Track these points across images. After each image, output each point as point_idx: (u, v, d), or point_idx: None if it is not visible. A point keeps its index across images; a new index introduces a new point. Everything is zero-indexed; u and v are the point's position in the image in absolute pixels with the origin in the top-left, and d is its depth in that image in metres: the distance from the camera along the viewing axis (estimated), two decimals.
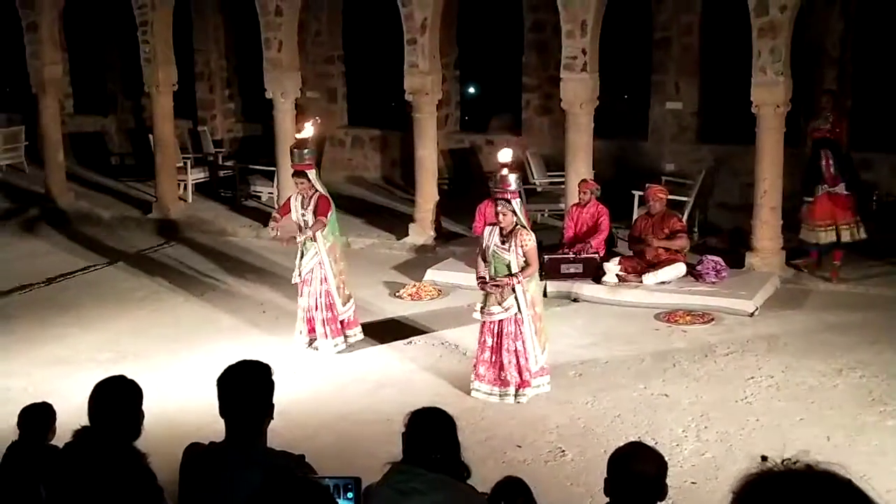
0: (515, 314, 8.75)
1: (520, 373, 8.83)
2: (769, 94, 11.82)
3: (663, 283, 11.58)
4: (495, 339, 8.85)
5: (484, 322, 8.91)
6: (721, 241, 13.11)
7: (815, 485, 2.09)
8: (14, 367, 9.95)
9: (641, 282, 11.60)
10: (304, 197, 10.00)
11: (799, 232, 12.21)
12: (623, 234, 12.86)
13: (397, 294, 11.98)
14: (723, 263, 11.78)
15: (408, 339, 10.51)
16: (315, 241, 9.93)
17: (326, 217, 9.89)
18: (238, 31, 18.51)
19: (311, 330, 10.12)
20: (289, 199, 10.31)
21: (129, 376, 4.54)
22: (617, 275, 11.66)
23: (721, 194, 14.67)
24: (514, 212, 8.71)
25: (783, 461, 2.15)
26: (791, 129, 12.30)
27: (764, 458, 2.20)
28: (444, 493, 4.01)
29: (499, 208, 8.75)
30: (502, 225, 8.73)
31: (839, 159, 11.90)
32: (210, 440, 4.12)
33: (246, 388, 4.06)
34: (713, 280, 11.59)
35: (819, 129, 11.98)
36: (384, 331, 10.67)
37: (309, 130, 10.16)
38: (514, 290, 8.71)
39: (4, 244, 14.88)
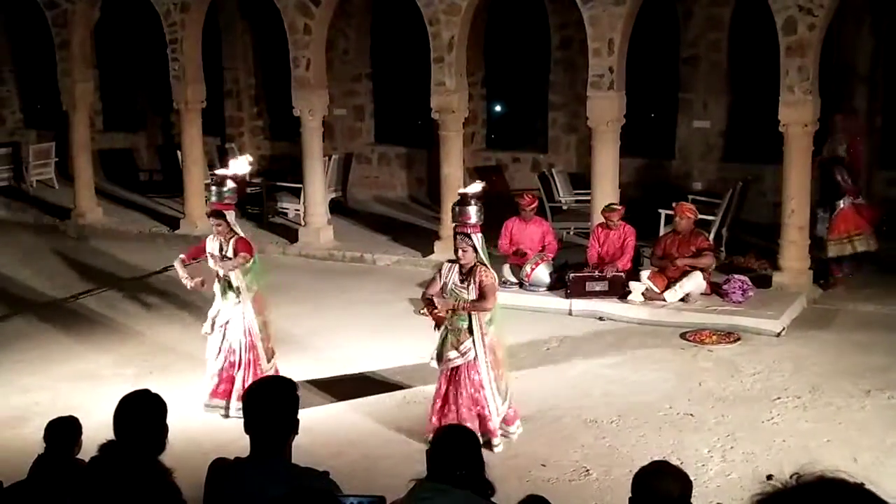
0: (474, 358, 8.07)
1: (483, 423, 8.10)
2: (797, 113, 11.78)
3: (686, 296, 11.52)
4: (449, 386, 8.16)
5: (442, 371, 8.24)
6: (748, 260, 13.04)
7: (828, 493, 2.06)
8: (41, 382, 10.03)
9: (664, 299, 11.56)
10: (222, 241, 8.96)
11: (824, 250, 12.17)
12: (648, 253, 12.82)
13: (422, 311, 11.96)
14: (749, 283, 11.73)
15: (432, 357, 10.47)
16: (236, 290, 8.90)
17: (250, 253, 8.90)
18: (266, 50, 18.63)
19: (225, 393, 8.94)
20: (203, 241, 9.30)
21: (155, 391, 4.56)
22: (642, 293, 11.63)
23: (748, 213, 14.60)
24: (474, 247, 8.07)
25: (792, 476, 2.12)
26: (819, 149, 12.25)
27: (769, 477, 2.17)
28: None
29: (458, 243, 8.10)
30: (462, 262, 8.09)
31: (851, 175, 12.00)
32: (235, 456, 4.13)
33: (271, 403, 4.07)
34: (740, 299, 11.53)
35: (836, 155, 12.04)
36: (410, 348, 10.67)
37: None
38: (471, 332, 8.06)
39: (33, 259, 15.00)
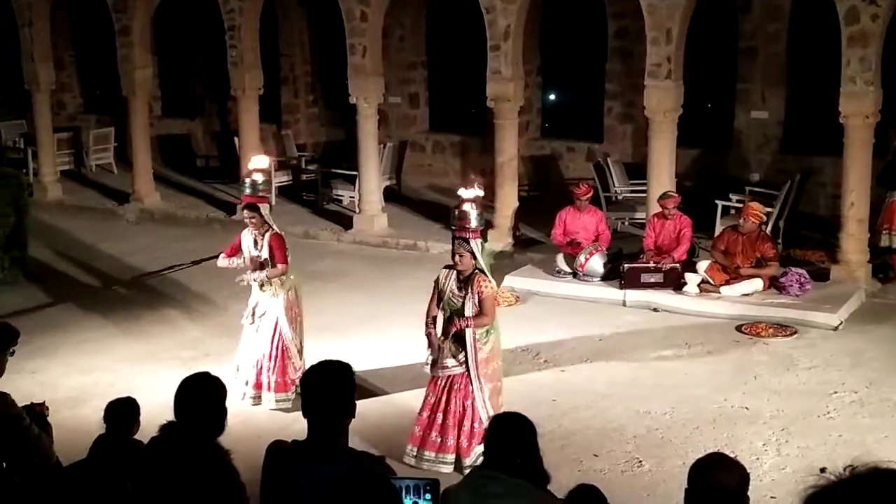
0: (467, 372, 7.72)
1: (469, 438, 7.72)
2: (858, 105, 11.60)
3: (744, 295, 11.44)
4: (441, 395, 7.78)
5: (434, 378, 7.86)
6: (805, 253, 12.89)
7: (882, 484, 2.04)
8: (101, 363, 10.20)
9: (720, 293, 11.47)
10: (256, 234, 9.04)
11: (878, 239, 12.00)
12: (705, 245, 12.73)
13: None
14: (807, 276, 11.60)
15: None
16: (271, 284, 9.00)
17: (286, 263, 8.98)
18: (323, 37, 18.71)
19: (258, 385, 9.02)
20: (238, 237, 9.33)
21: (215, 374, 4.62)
22: (698, 285, 11.55)
23: (806, 205, 14.43)
24: (472, 253, 7.64)
25: (846, 468, 2.10)
26: (880, 141, 12.07)
27: (822, 470, 2.15)
28: (523, 499, 4.01)
29: (456, 249, 7.73)
30: (459, 268, 7.69)
31: None
32: (293, 439, 4.17)
33: (327, 387, 4.11)
34: (797, 293, 11.41)
35: None
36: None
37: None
38: (464, 346, 7.68)
39: (92, 243, 15.23)
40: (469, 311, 7.67)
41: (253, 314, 9.09)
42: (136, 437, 5.77)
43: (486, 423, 7.10)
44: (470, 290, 7.66)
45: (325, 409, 4.06)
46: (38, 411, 5.60)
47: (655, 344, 10.54)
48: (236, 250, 9.21)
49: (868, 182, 11.90)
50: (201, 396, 4.41)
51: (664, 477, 7.54)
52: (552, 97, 18.04)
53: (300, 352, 9.14)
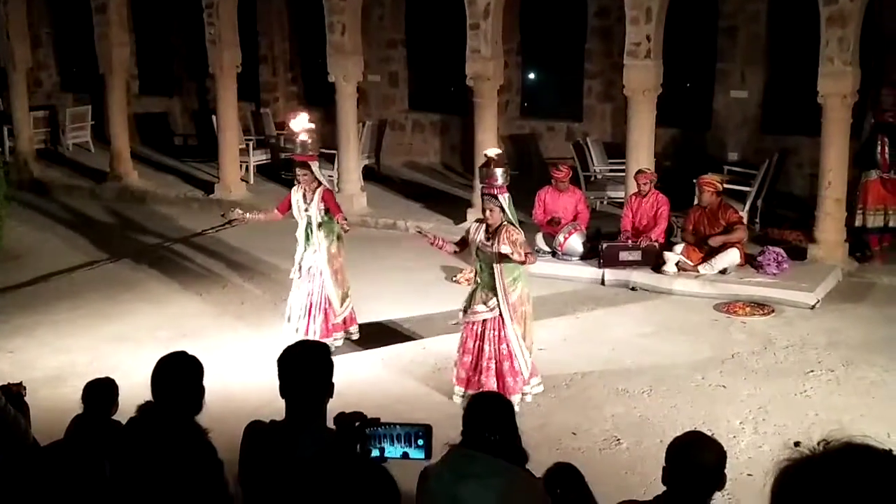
0: (500, 315, 8.30)
1: (501, 379, 8.34)
2: (836, 85, 11.64)
3: (722, 271, 11.48)
4: (476, 341, 8.40)
5: (467, 323, 8.48)
6: (783, 232, 12.96)
7: (855, 459, 2.06)
8: (79, 343, 10.16)
9: (698, 272, 11.52)
10: (306, 190, 9.63)
11: (853, 220, 12.05)
12: (681, 224, 12.76)
13: (454, 279, 12.00)
14: (784, 255, 11.66)
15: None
16: (314, 236, 9.57)
17: (341, 212, 9.59)
18: (302, 15, 18.61)
19: (307, 332, 9.61)
20: (288, 195, 9.86)
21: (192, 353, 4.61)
22: (676, 263, 11.59)
23: (784, 185, 14.49)
24: (501, 208, 8.25)
25: (819, 442, 2.12)
26: (858, 121, 12.12)
27: (797, 444, 2.17)
28: (501, 478, 4.03)
29: (485, 204, 8.33)
30: (489, 222, 8.29)
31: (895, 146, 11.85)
32: (271, 419, 4.17)
33: (306, 367, 4.12)
34: (774, 271, 11.47)
35: (883, 113, 11.88)
36: (443, 315, 10.70)
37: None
38: (496, 288, 8.27)
39: (69, 222, 15.15)
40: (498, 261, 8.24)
41: (300, 269, 9.69)
42: (115, 417, 5.76)
43: (523, 360, 8.35)
44: (499, 240, 8.18)
45: (304, 389, 4.07)
46: (14, 391, 5.57)
47: (634, 323, 10.58)
48: (287, 206, 9.80)
49: (846, 162, 11.96)
50: (178, 376, 4.40)
51: (643, 455, 7.57)
52: (532, 76, 18.02)
53: (344, 298, 9.82)
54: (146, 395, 4.40)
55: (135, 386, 5.64)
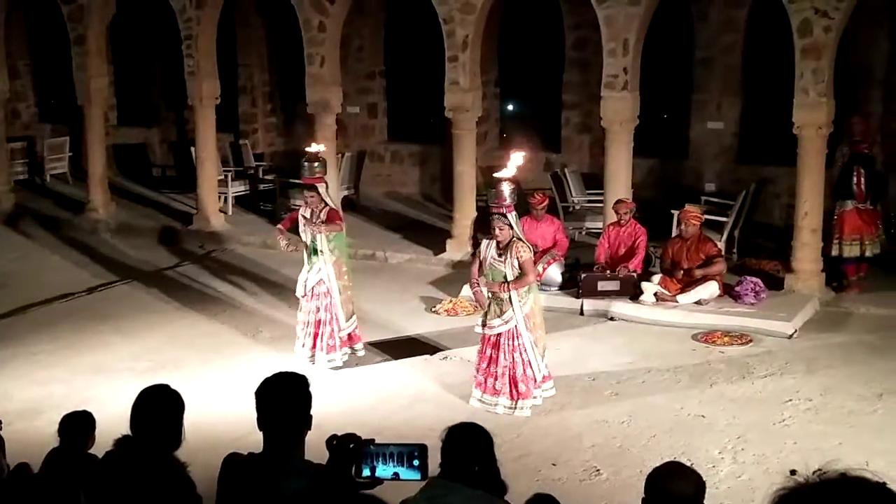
0: (515, 326, 8.90)
1: (514, 384, 8.95)
2: (811, 116, 11.75)
3: (699, 302, 11.52)
4: (493, 350, 9.02)
5: (485, 335, 9.09)
6: (760, 262, 13.02)
7: (849, 491, 2.08)
8: (56, 374, 10.09)
9: (677, 302, 11.55)
10: (313, 211, 10.07)
11: (829, 249, 12.12)
12: (658, 254, 12.81)
13: (434, 309, 12.00)
14: (762, 285, 11.71)
15: (443, 355, 10.52)
16: (321, 254, 10.00)
17: (342, 223, 10.11)
18: (281, 47, 18.65)
19: (314, 346, 10.12)
20: (295, 212, 10.42)
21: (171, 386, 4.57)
22: (654, 293, 11.61)
23: (761, 215, 14.58)
24: (510, 225, 8.86)
25: (815, 472, 2.15)
26: (833, 151, 12.22)
27: (793, 472, 2.20)
28: None
29: (495, 223, 8.87)
30: (499, 239, 8.88)
31: (871, 176, 11.95)
32: (249, 451, 4.14)
33: (284, 399, 4.07)
34: (752, 301, 11.52)
35: (858, 143, 11.98)
36: (420, 346, 10.69)
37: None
38: (510, 301, 8.84)
39: (47, 253, 15.07)
40: (510, 275, 8.82)
41: (305, 286, 10.08)
42: (91, 450, 5.70)
43: (537, 366, 8.98)
44: (509, 255, 8.80)
45: (282, 421, 4.03)
46: None
47: (613, 352, 10.59)
48: (292, 221, 10.35)
49: (821, 192, 12.05)
50: (159, 410, 4.32)
51: (621, 485, 7.57)
52: (510, 107, 18.10)
53: (350, 315, 10.21)
54: (123, 427, 4.34)
55: (111, 418, 5.60)
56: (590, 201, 15.06)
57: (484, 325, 9.10)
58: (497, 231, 8.85)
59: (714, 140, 15.64)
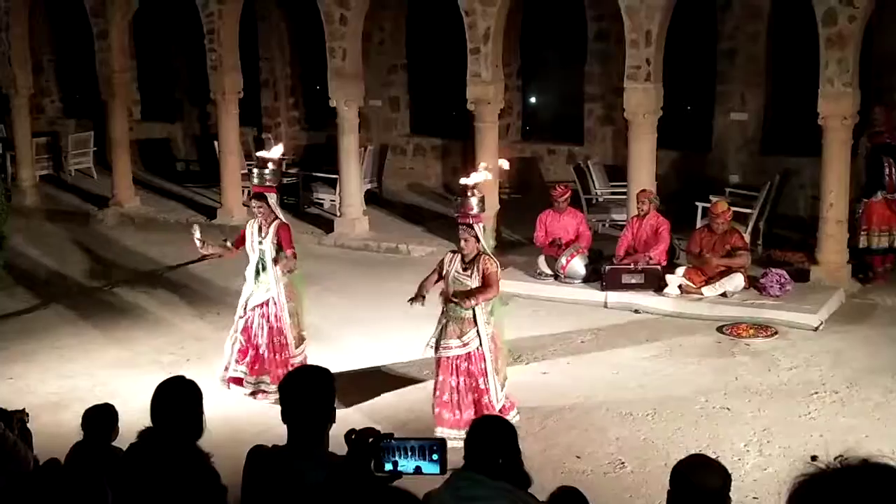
0: (476, 348, 8.11)
1: (479, 413, 7.95)
2: (836, 106, 11.65)
3: (724, 294, 11.45)
4: (449, 376, 8.15)
5: (440, 359, 8.21)
6: (785, 253, 12.93)
7: (872, 477, 2.06)
8: (79, 368, 10.14)
9: (702, 294, 11.49)
10: (262, 224, 9.10)
11: (856, 241, 12.02)
12: (683, 246, 12.74)
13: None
14: (787, 276, 11.63)
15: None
16: (267, 272, 9.04)
17: (293, 250, 9.07)
18: (303, 40, 18.67)
19: (255, 371, 9.14)
20: (242, 230, 9.38)
21: (190, 378, 4.59)
22: (679, 286, 11.56)
23: (786, 206, 14.47)
24: (476, 237, 8.16)
25: (836, 458, 2.12)
26: (858, 142, 12.12)
27: (814, 458, 2.17)
28: (505, 502, 4.00)
29: (460, 234, 8.18)
30: (465, 251, 8.18)
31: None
32: (273, 443, 4.15)
33: (308, 393, 4.08)
34: (777, 293, 11.44)
35: (878, 135, 11.88)
36: None
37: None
38: (475, 322, 8.08)
39: (72, 247, 15.14)
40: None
41: (245, 306, 9.15)
42: (115, 443, 5.73)
43: (495, 395, 8.06)
44: (476, 269, 8.10)
45: (306, 415, 4.03)
46: (17, 418, 5.55)
47: (637, 345, 10.55)
48: (241, 241, 9.28)
49: (847, 183, 11.95)
50: (177, 400, 4.38)
51: (647, 478, 7.54)
52: (532, 100, 18.05)
53: (300, 341, 9.26)
54: (147, 420, 4.38)
55: (135, 411, 5.62)
56: (613, 193, 14.99)
57: (438, 345, 8.22)
58: (462, 243, 8.13)
59: (738, 131, 15.54)
